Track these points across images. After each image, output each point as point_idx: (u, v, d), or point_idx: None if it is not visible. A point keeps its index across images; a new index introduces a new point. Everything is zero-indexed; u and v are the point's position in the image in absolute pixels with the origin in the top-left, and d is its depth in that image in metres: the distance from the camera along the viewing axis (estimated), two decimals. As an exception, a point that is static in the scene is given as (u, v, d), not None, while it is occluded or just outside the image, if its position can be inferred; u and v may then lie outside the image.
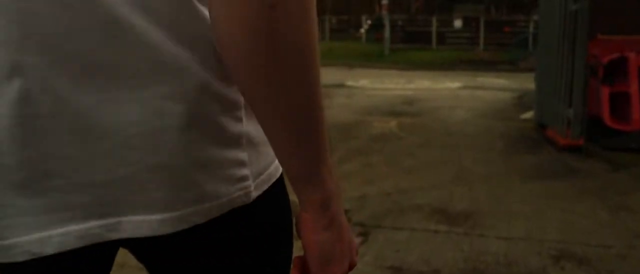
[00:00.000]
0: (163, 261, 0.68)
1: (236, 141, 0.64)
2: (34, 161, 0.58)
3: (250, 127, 0.65)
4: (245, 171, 0.65)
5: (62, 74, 0.56)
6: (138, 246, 0.65)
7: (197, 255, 0.66)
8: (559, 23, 5.23)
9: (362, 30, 24.84)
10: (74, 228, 0.60)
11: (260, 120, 0.59)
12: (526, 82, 13.44)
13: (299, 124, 0.58)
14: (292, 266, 0.67)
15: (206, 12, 0.58)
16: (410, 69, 17.27)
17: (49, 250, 0.60)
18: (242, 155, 0.65)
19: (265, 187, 0.68)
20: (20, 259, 0.61)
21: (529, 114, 6.93)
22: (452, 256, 2.74)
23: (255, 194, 0.66)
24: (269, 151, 0.67)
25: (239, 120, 0.64)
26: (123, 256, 0.71)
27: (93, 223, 0.61)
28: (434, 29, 22.98)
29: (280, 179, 0.72)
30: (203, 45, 0.59)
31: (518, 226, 3.16)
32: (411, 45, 22.81)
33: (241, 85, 0.58)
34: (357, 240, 0.70)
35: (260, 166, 0.67)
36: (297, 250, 0.68)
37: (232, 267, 0.68)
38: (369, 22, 25.18)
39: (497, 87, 12.12)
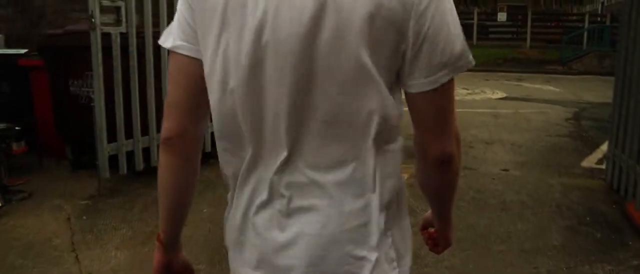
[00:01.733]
0: None
1: None
2: None
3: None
4: None
5: None
6: None
7: None
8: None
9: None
10: None
11: (433, 201, 1.10)
12: (581, 91, 11.58)
13: (450, 201, 1.08)
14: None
15: None
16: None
17: None
18: None
19: None
20: None
21: (593, 158, 5.18)
22: None
23: None
24: None
25: None
26: None
27: None
28: (475, 22, 20.90)
29: None
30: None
31: None
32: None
33: (433, 183, 1.02)
34: None
35: None
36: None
37: None
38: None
39: (547, 98, 10.27)
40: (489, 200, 3.89)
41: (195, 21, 0.94)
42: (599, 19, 22.10)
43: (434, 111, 0.91)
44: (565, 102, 9.66)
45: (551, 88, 12.11)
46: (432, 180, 1.00)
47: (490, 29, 21.31)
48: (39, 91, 4.97)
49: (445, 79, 0.89)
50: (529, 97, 10.42)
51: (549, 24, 21.88)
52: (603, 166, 4.74)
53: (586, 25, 19.49)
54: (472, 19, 21.30)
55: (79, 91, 4.58)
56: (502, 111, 8.33)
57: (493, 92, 10.88)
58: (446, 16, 0.88)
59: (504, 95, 10.55)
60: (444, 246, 1.18)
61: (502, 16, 21.35)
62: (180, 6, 0.97)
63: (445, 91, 0.90)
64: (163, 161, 1.04)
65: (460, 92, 10.77)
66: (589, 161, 5.03)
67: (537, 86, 12.52)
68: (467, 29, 21.03)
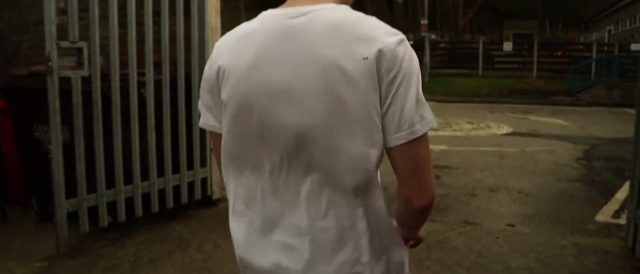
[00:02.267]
0: None
1: None
2: None
3: None
4: None
5: None
6: None
7: None
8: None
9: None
10: None
11: (406, 229, 1.24)
12: (590, 124, 11.11)
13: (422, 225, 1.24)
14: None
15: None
16: (451, 101, 15.05)
17: None
18: None
19: None
20: None
21: (609, 210, 4.71)
22: None
23: None
24: None
25: None
26: None
27: None
28: (480, 52, 20.54)
29: None
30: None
31: None
32: (455, 68, 20.48)
33: (408, 221, 1.21)
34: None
35: None
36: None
37: None
38: (410, 42, 22.96)
39: (555, 133, 9.82)
40: (492, 266, 3.42)
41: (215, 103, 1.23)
42: (605, 48, 21.73)
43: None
44: (575, 138, 9.20)
45: (559, 121, 11.66)
46: (411, 221, 1.22)
47: (496, 59, 20.92)
48: (2, 134, 4.59)
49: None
50: (536, 132, 9.97)
51: (555, 53, 21.48)
52: (620, 221, 4.27)
53: (594, 54, 19.09)
54: (478, 48, 20.98)
55: (43, 136, 4.19)
56: (508, 149, 7.87)
57: (498, 127, 10.44)
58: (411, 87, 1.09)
59: (510, 130, 10.11)
60: (417, 243, 1.31)
61: (508, 46, 21.00)
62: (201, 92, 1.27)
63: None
64: None
65: (464, 127, 10.34)
66: (604, 214, 4.56)
67: (545, 119, 12.07)
68: (472, 58, 20.78)
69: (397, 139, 1.08)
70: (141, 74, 4.08)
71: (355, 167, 1.10)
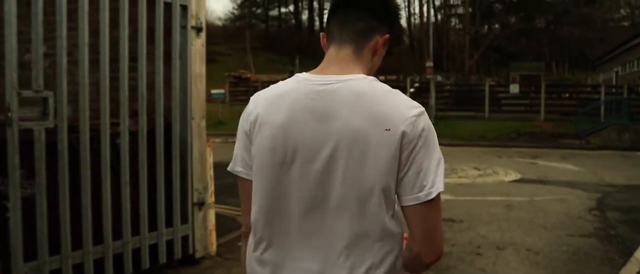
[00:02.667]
0: None
1: None
2: None
3: None
4: None
5: None
6: None
7: None
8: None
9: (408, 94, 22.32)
10: None
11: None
12: (602, 170, 10.66)
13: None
14: None
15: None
16: (458, 144, 14.69)
17: None
18: None
19: None
20: None
21: (628, 272, 4.29)
22: None
23: None
24: None
25: None
26: None
27: None
28: (487, 93, 20.24)
29: None
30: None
31: None
32: (461, 111, 20.15)
33: (414, 270, 1.33)
34: None
35: None
36: None
37: None
38: (416, 84, 22.68)
39: (565, 180, 9.41)
40: None
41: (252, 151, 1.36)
42: (613, 89, 21.43)
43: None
44: (586, 185, 8.79)
45: (569, 167, 11.25)
46: (418, 271, 1.34)
47: (503, 101, 20.62)
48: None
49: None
50: (546, 178, 9.57)
51: (563, 95, 21.17)
52: (641, 286, 3.85)
53: (602, 97, 18.76)
54: (484, 90, 20.72)
55: (5, 190, 3.86)
56: (516, 198, 7.47)
57: (506, 173, 10.05)
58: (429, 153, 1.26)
59: (518, 176, 9.71)
60: None
61: (514, 88, 20.73)
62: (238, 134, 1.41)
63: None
64: (242, 251, 1.47)
65: (470, 174, 9.96)
66: (624, 277, 4.15)
67: (554, 164, 11.67)
68: (479, 100, 20.47)
69: (412, 200, 1.23)
70: (116, 124, 3.78)
71: (371, 222, 1.25)
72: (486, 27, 51.29)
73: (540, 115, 19.28)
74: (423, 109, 1.26)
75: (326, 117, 1.24)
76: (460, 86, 26.53)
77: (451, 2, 51.62)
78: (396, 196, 1.26)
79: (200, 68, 4.40)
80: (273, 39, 56.53)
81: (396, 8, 1.43)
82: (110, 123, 3.70)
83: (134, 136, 3.88)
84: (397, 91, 1.27)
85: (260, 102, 1.35)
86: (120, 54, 3.75)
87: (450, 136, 15.60)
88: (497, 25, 51.40)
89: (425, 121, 1.24)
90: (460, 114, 19.88)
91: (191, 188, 4.36)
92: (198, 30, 4.34)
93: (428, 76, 19.09)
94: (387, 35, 1.36)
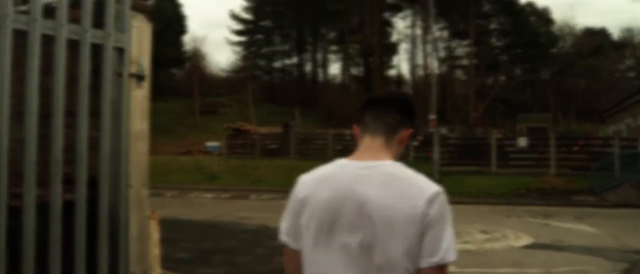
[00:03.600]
0: None
1: None
2: None
3: None
4: None
5: None
6: None
7: None
8: None
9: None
10: None
11: None
12: (624, 232, 9.56)
13: None
14: None
15: None
16: (463, 202, 13.74)
17: None
18: None
19: None
20: None
21: None
22: None
23: None
24: None
25: None
26: None
27: None
28: (493, 148, 19.33)
29: None
30: None
31: None
32: (467, 165, 19.23)
33: None
34: None
35: None
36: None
37: None
38: (420, 137, 21.84)
39: (584, 245, 8.45)
40: None
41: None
42: (624, 142, 20.52)
43: None
44: (608, 252, 7.83)
45: (586, 228, 10.27)
46: None
47: (511, 155, 19.67)
48: None
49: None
50: (561, 243, 8.61)
51: (574, 148, 20.21)
52: None
53: (616, 149, 17.82)
54: (490, 143, 19.84)
55: None
56: (530, 271, 6.52)
57: (516, 237, 9.09)
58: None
59: (530, 241, 8.75)
60: None
61: (522, 141, 19.83)
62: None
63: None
64: None
65: (477, 238, 9.00)
66: None
67: (569, 224, 10.70)
68: (485, 154, 19.54)
69: (428, 262, 1.56)
70: (17, 196, 2.95)
71: None
72: (491, 78, 50.99)
73: (550, 169, 18.32)
74: (441, 189, 1.61)
75: (362, 196, 1.61)
76: (465, 139, 25.70)
77: (455, 53, 51.53)
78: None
79: (141, 124, 3.60)
80: (276, 91, 56.33)
81: (415, 108, 1.84)
82: (8, 194, 2.88)
83: (43, 210, 3.04)
84: (420, 175, 1.65)
85: (307, 183, 1.73)
86: (26, 109, 2.95)
87: (455, 193, 14.61)
88: (502, 77, 51.10)
89: (443, 199, 1.60)
90: (466, 169, 18.96)
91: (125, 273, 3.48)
92: (139, 78, 3.56)
93: (431, 129, 18.28)
94: (411, 130, 1.78)
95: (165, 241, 9.51)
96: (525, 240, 8.83)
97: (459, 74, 51.98)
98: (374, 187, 1.61)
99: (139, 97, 3.56)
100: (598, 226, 10.49)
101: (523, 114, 41.63)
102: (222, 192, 17.71)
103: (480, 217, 11.55)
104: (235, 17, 58.68)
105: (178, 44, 50.24)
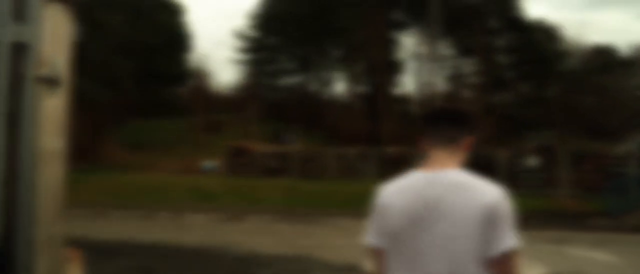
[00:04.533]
0: None
1: None
2: None
3: None
4: None
5: None
6: None
7: None
8: None
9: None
10: None
11: None
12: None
13: None
14: None
15: None
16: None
17: None
18: None
19: None
20: None
21: None
22: None
23: None
24: None
25: None
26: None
27: None
28: (500, 167, 18.49)
29: None
30: None
31: None
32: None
33: None
34: None
35: None
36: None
37: None
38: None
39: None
40: None
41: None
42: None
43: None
44: (633, 286, 6.94)
45: (605, 257, 9.38)
46: None
47: (519, 175, 18.76)
48: None
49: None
50: (581, 272, 7.72)
51: (586, 167, 19.26)
52: None
53: (634, 169, 16.88)
54: (497, 162, 18.97)
55: None
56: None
57: (529, 267, 8.21)
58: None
59: (545, 272, 7.87)
60: None
61: (532, 161, 18.95)
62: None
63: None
64: None
65: (485, 268, 8.12)
66: None
67: (585, 252, 9.82)
68: (492, 174, 18.50)
69: (497, 251, 1.93)
70: None
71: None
72: (498, 96, 50.20)
73: (561, 190, 17.40)
74: (502, 191, 2.02)
75: (437, 199, 1.98)
76: (470, 158, 24.79)
77: (462, 70, 50.83)
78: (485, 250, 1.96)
79: (55, 142, 2.82)
80: (280, 109, 55.69)
81: (473, 116, 2.27)
82: None
83: None
84: (483, 180, 2.04)
85: (388, 192, 2.11)
86: None
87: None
88: (509, 94, 50.30)
89: (505, 199, 2.00)
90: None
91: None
92: (52, 83, 2.80)
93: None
94: (472, 137, 2.15)
95: (138, 271, 8.74)
96: (539, 270, 7.96)
97: (466, 92, 51.22)
98: (445, 192, 1.98)
99: (53, 107, 2.79)
100: (618, 254, 9.61)
101: (531, 131, 40.71)
102: (219, 213, 16.89)
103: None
104: (239, 35, 58.32)
105: (181, 61, 49.81)
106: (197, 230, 13.28)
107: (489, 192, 1.97)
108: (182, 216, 16.21)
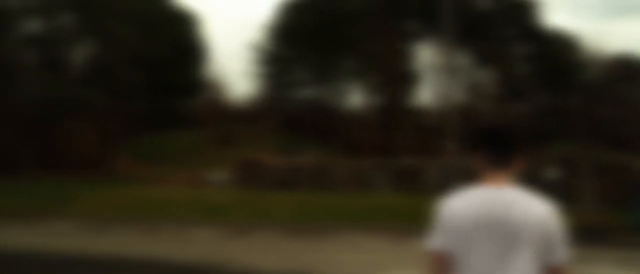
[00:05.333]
0: None
1: None
2: None
3: None
4: None
5: None
6: None
7: None
8: None
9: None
10: None
11: None
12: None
13: None
14: None
15: None
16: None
17: None
18: None
19: None
20: None
21: None
22: None
23: None
24: None
25: None
26: None
27: None
28: (519, 180, 17.69)
29: None
30: None
31: None
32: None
33: None
34: None
35: None
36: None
37: None
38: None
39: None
40: None
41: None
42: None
43: None
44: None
45: (634, 278, 8.65)
46: None
47: (538, 188, 17.94)
48: None
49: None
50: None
51: (609, 179, 18.41)
52: None
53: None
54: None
55: None
56: None
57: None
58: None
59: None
60: None
61: (552, 172, 18.17)
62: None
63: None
64: None
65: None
66: None
67: (611, 271, 9.08)
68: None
69: (553, 261, 2.31)
70: None
71: None
72: (516, 106, 49.28)
73: (583, 204, 16.58)
74: (553, 207, 2.36)
75: (496, 213, 2.26)
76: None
77: (479, 81, 50.03)
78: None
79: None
80: (295, 121, 55.32)
81: (524, 135, 2.49)
82: None
83: None
84: (536, 196, 2.36)
85: (452, 206, 2.38)
86: None
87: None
88: (527, 105, 49.37)
89: (556, 214, 2.34)
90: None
91: None
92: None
93: (449, 160, 16.81)
94: (525, 154, 2.37)
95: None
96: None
97: (483, 103, 50.36)
98: (505, 207, 2.29)
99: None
100: (646, 274, 8.86)
101: (550, 142, 39.77)
102: (224, 227, 16.38)
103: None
104: (254, 47, 58.20)
105: (196, 72, 49.73)
106: (199, 245, 12.79)
107: (543, 208, 2.32)
108: (187, 230, 15.71)
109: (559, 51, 48.43)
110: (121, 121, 32.39)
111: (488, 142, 2.39)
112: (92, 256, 10.76)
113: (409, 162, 23.32)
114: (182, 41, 43.61)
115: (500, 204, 2.27)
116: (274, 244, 12.94)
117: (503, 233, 2.23)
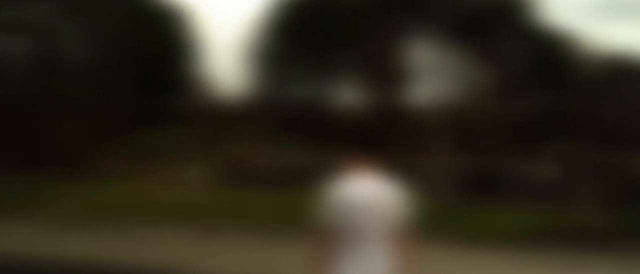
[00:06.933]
0: None
1: None
2: None
3: None
4: None
5: None
6: None
7: None
8: None
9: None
10: None
11: None
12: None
13: None
14: None
15: None
16: (472, 245, 11.39)
17: None
18: None
19: None
20: None
21: None
22: None
23: None
24: None
25: None
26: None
27: None
28: (512, 177, 17.15)
29: None
30: None
31: None
32: (481, 198, 17.04)
33: None
34: None
35: None
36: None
37: None
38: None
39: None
40: None
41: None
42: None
43: None
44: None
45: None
46: None
47: (533, 187, 17.44)
48: None
49: None
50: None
51: (608, 179, 17.83)
52: None
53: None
54: (509, 173, 17.57)
55: None
56: None
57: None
58: None
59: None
60: None
61: (546, 169, 17.61)
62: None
63: None
64: None
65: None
66: None
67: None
68: (503, 185, 17.31)
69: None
70: None
71: None
72: (512, 105, 48.76)
73: (581, 205, 15.82)
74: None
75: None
76: (479, 168, 23.49)
77: (475, 78, 49.52)
78: None
79: None
80: (289, 120, 54.78)
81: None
82: None
83: None
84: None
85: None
86: None
87: (466, 234, 12.24)
88: (523, 103, 48.87)
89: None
90: (480, 200, 16.74)
91: None
92: None
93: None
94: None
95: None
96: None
97: (479, 100, 49.82)
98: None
99: None
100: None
101: (548, 140, 39.43)
102: (201, 229, 15.63)
103: (495, 269, 9.17)
104: (248, 43, 57.56)
105: (187, 69, 49.09)
106: (170, 248, 12.08)
107: None
108: (160, 232, 14.97)
109: (557, 50, 47.94)
110: (109, 118, 31.71)
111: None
112: (47, 262, 10.04)
113: (402, 161, 22.65)
114: (172, 37, 42.85)
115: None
116: (247, 247, 12.26)
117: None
